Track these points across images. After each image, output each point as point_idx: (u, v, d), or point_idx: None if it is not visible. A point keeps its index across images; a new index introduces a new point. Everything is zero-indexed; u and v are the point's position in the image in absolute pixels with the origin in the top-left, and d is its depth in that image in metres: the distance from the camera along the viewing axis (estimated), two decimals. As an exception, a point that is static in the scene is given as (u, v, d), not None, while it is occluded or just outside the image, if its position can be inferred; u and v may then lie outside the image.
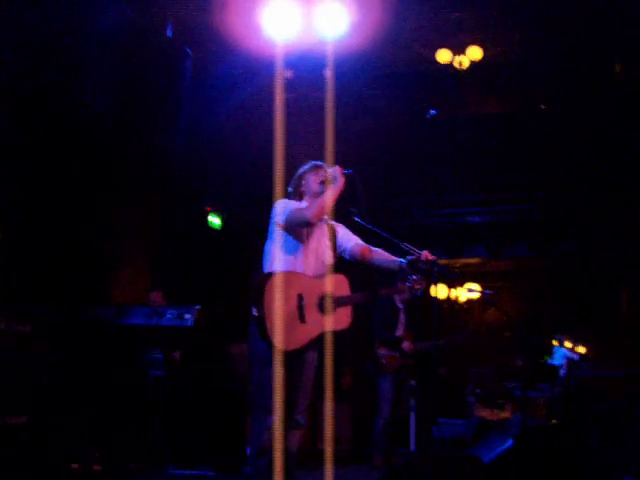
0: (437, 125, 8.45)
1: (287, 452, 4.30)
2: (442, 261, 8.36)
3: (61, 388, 5.74)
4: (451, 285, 9.31)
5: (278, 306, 4.15)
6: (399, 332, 7.41)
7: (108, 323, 6.16)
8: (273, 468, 4.18)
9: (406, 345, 7.34)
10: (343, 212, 4.42)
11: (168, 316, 6.02)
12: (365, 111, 7.98)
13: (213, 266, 8.13)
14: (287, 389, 4.27)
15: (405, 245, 4.43)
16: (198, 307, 6.05)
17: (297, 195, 4.56)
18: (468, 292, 9.31)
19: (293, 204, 4.44)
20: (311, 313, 4.27)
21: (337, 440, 7.76)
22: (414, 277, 4.57)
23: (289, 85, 6.98)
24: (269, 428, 4.19)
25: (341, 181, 4.31)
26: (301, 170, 4.58)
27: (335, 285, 4.40)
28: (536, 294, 11.15)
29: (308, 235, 4.41)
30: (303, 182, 4.54)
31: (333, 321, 4.35)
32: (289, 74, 7.09)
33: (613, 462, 5.90)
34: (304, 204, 4.48)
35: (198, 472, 6.07)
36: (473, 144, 8.51)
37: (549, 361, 9.32)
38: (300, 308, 4.24)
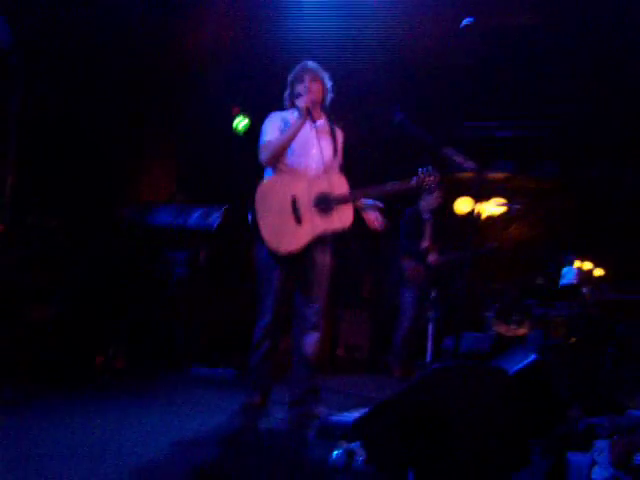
0: (469, 35, 8.18)
1: (301, 354, 4.40)
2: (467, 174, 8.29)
3: (88, 284, 5.79)
4: (477, 198, 9.18)
5: (271, 212, 4.19)
6: (425, 244, 7.36)
7: (135, 221, 6.17)
8: (264, 365, 4.37)
9: (432, 258, 7.30)
10: (388, 111, 4.33)
11: (195, 215, 6.01)
12: (398, 20, 7.71)
13: (240, 168, 8.06)
14: (292, 291, 4.40)
15: (446, 150, 4.34)
16: (225, 207, 6.02)
17: (291, 101, 4.52)
18: (496, 206, 9.18)
19: (273, 127, 4.41)
20: (307, 214, 4.28)
21: (355, 347, 7.84)
22: (423, 170, 4.48)
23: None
24: (262, 328, 4.35)
25: (300, 122, 4.30)
26: (291, 74, 4.53)
27: (332, 184, 4.36)
28: (562, 214, 11.02)
29: (295, 145, 4.36)
30: (293, 89, 4.50)
31: (332, 221, 4.34)
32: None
33: (628, 381, 5.93)
34: (295, 114, 4.41)
35: (220, 370, 6.16)
36: (507, 56, 8.24)
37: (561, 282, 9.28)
38: (295, 210, 4.24)
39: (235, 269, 6.74)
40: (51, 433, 3.83)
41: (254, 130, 8.38)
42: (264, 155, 4.35)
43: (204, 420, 4.40)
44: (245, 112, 8.29)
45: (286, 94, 4.55)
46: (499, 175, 10.32)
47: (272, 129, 4.42)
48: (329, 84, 4.52)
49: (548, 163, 9.97)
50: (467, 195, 10.15)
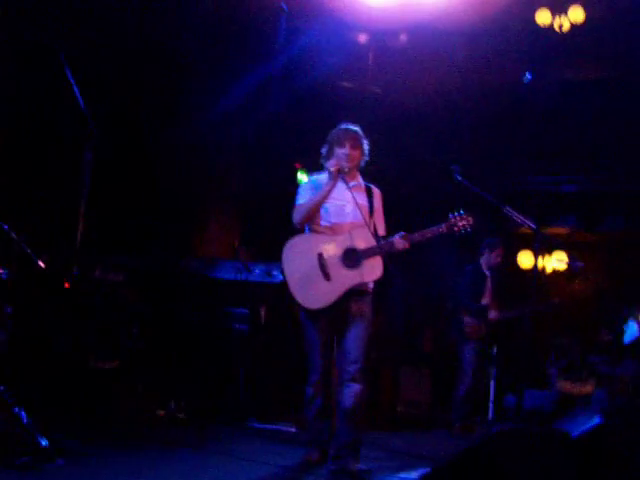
0: (534, 89, 8.20)
1: (340, 407, 4.45)
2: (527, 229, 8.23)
3: (151, 337, 5.89)
4: (538, 254, 9.08)
5: (299, 270, 4.39)
6: (485, 300, 7.30)
7: (198, 275, 6.28)
8: (319, 420, 4.62)
9: (492, 314, 7.25)
10: (447, 170, 4.38)
11: (257, 272, 6.10)
12: (462, 75, 7.77)
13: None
14: (330, 347, 4.56)
15: (507, 209, 4.34)
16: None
17: (328, 158, 4.64)
18: (557, 262, 9.08)
19: (305, 193, 4.58)
20: (335, 269, 4.40)
21: (416, 404, 7.76)
22: (455, 215, 4.47)
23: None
24: (312, 384, 4.59)
25: (331, 184, 4.47)
26: (330, 134, 4.67)
27: (358, 238, 4.47)
28: (625, 270, 10.81)
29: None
30: (331, 149, 4.63)
31: (361, 274, 4.44)
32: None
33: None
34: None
35: (279, 427, 6.17)
36: (572, 110, 8.22)
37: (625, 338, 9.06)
38: (322, 266, 4.38)
39: (294, 325, 6.78)
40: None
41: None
42: (296, 217, 4.56)
43: (261, 476, 4.40)
44: (306, 168, 8.42)
45: (324, 151, 4.69)
46: (562, 230, 10.22)
47: (305, 192, 4.61)
48: (366, 148, 4.66)
49: (611, 218, 9.83)
50: (529, 249, 10.07)
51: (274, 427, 6.18)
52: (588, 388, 8.33)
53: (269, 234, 7.87)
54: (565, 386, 8.49)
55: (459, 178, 4.49)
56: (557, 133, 8.37)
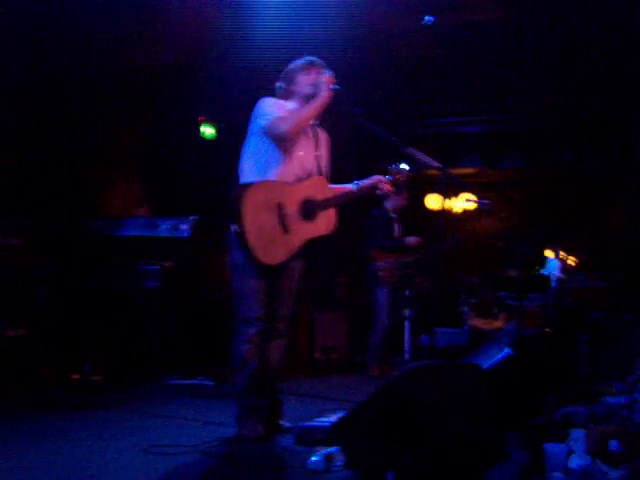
0: (432, 33, 8.21)
1: (268, 364, 4.22)
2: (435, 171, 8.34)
3: (58, 300, 5.73)
4: (446, 195, 9.22)
5: (259, 221, 3.95)
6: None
7: (103, 235, 6.12)
8: (254, 383, 4.11)
9: (413, 240, 7.32)
10: (348, 112, 4.25)
11: (164, 227, 5.97)
12: (363, 20, 7.71)
13: (207, 178, 8.03)
14: (268, 298, 4.16)
15: (411, 150, 4.32)
16: (195, 218, 5.99)
17: (286, 93, 4.29)
18: (465, 202, 9.23)
19: (278, 107, 4.14)
20: (294, 221, 4.07)
21: (333, 349, 7.85)
22: (394, 168, 4.47)
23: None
24: (249, 340, 4.10)
25: (326, 95, 4.06)
26: (293, 65, 4.31)
27: (315, 188, 4.21)
28: (530, 205, 11.14)
29: (292, 143, 4.15)
30: (293, 80, 4.28)
31: (317, 227, 4.18)
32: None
33: (602, 368, 5.99)
34: (291, 105, 4.24)
35: (197, 382, 6.13)
36: (470, 52, 8.29)
37: (541, 271, 9.38)
38: (282, 218, 4.02)
39: (207, 280, 6.72)
40: (25, 452, 3.80)
41: (222, 138, 8.46)
42: (287, 125, 4.02)
43: (180, 432, 4.36)
44: (211, 121, 8.31)
45: (280, 85, 4.32)
46: (466, 170, 10.41)
47: (275, 107, 4.14)
48: None
49: (512, 155, 10.06)
50: (435, 192, 10.24)
51: (193, 382, 6.13)
52: (499, 323, 8.59)
53: (175, 189, 7.77)
54: (477, 323, 8.73)
55: (360, 120, 4.41)
56: (455, 75, 8.44)
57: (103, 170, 7.26)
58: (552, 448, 3.43)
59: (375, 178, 4.43)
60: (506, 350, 4.44)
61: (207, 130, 8.30)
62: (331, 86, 4.08)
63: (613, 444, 3.24)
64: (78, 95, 6.73)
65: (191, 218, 6.00)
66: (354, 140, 8.68)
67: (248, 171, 4.17)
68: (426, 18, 8.15)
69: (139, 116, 7.88)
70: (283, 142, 4.10)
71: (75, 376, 5.89)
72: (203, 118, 8.23)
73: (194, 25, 7.20)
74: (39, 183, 6.22)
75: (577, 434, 3.55)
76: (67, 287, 5.90)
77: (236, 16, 7.05)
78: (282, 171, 4.12)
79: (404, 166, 4.51)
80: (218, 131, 8.38)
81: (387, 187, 4.41)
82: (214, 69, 7.55)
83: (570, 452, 3.38)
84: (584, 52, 8.02)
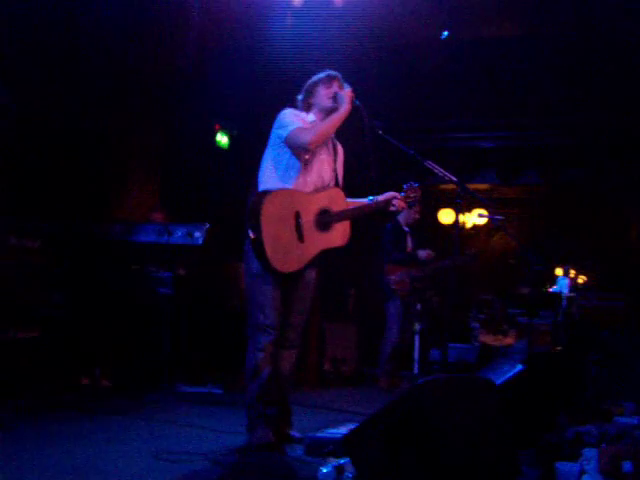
0: (450, 47, 8.23)
1: (280, 374, 4.23)
2: (449, 186, 8.34)
3: (72, 304, 5.74)
4: (459, 210, 9.21)
5: (276, 228, 3.97)
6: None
7: (117, 240, 6.13)
8: (266, 391, 4.10)
9: (424, 253, 7.29)
10: (369, 126, 4.26)
11: (178, 234, 5.97)
12: (381, 32, 7.73)
13: (221, 185, 8.05)
14: (283, 307, 4.18)
15: (428, 163, 4.33)
16: (208, 225, 5.99)
17: (306, 105, 4.33)
18: (478, 217, 9.22)
19: (298, 119, 4.19)
20: (309, 231, 4.09)
21: (342, 361, 7.83)
22: (407, 186, 4.50)
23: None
24: (263, 349, 4.10)
25: (347, 108, 4.12)
26: (314, 79, 4.33)
27: (331, 200, 4.23)
28: (544, 222, 11.09)
29: (312, 155, 4.19)
30: (314, 93, 4.30)
31: (332, 238, 4.20)
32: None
33: (613, 388, 5.97)
34: (311, 117, 4.29)
35: (206, 389, 6.13)
36: (488, 67, 8.30)
37: (551, 289, 9.34)
38: (298, 227, 4.04)
39: (219, 288, 6.72)
40: (36, 455, 3.79)
41: (235, 147, 8.49)
42: (309, 136, 4.06)
43: (189, 439, 4.35)
44: (225, 129, 8.33)
45: (300, 98, 4.35)
46: (482, 186, 10.38)
47: (298, 119, 4.19)
48: None
49: (528, 172, 10.04)
50: (449, 207, 10.23)
51: (201, 390, 6.14)
52: (509, 340, 8.56)
53: (189, 196, 7.77)
54: (487, 339, 8.70)
55: (380, 133, 4.43)
56: (473, 90, 8.44)
57: (120, 175, 7.30)
58: (564, 467, 3.41)
59: (389, 194, 4.46)
60: (518, 367, 4.42)
61: (222, 139, 8.34)
62: (354, 101, 4.14)
63: (627, 465, 3.21)
64: (96, 101, 6.79)
65: (205, 226, 6.00)
66: (374, 153, 8.67)
67: (267, 181, 4.19)
68: (444, 33, 8.20)
69: (156, 123, 7.93)
70: (304, 153, 4.13)
71: (85, 381, 5.91)
72: (219, 126, 8.25)
73: (213, 36, 7.25)
74: (56, 187, 6.25)
75: (589, 453, 3.52)
76: (81, 291, 5.91)
77: (253, 27, 7.10)
78: (301, 181, 4.16)
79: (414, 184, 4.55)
80: (231, 139, 8.41)
81: (400, 204, 4.44)
82: (230, 78, 7.58)
83: (582, 471, 3.35)
84: (601, 69, 8.02)
